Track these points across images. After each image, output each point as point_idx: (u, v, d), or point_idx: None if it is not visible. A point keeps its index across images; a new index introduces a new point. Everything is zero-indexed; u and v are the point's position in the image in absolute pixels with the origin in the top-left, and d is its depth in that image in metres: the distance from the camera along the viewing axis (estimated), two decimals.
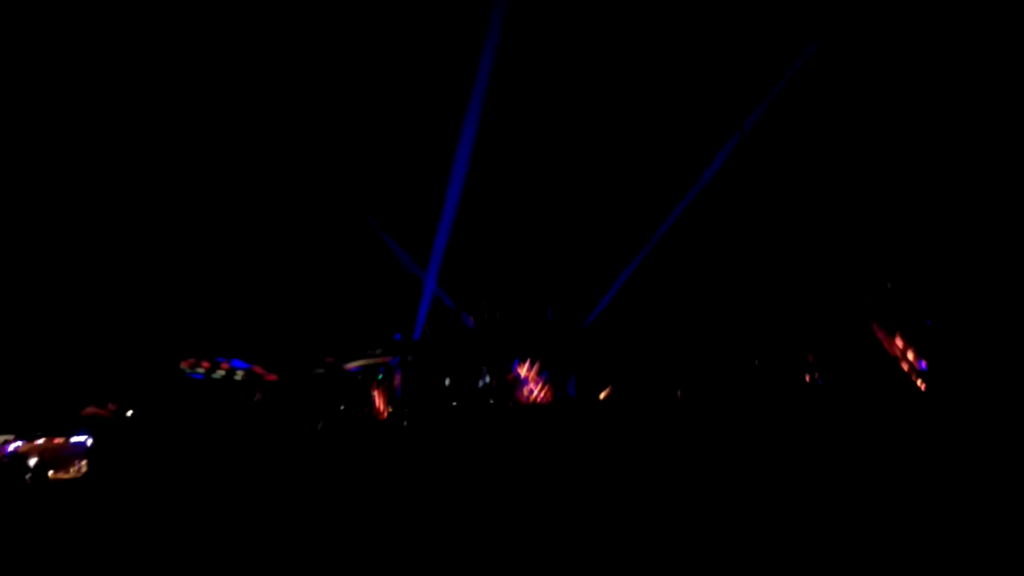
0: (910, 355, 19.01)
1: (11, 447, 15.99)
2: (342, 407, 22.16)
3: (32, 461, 15.06)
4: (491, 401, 22.81)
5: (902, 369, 19.04)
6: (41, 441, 16.26)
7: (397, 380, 22.98)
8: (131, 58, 19.35)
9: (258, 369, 20.42)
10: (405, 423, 20.74)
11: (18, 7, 17.36)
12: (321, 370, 22.40)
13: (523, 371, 24.44)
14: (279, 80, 21.19)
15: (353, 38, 21.34)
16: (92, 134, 19.99)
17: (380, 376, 23.30)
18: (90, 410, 15.72)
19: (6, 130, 18.67)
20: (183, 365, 18.80)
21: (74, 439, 16.39)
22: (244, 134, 21.56)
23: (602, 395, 21.84)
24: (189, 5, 19.31)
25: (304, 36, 20.57)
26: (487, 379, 23.61)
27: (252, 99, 21.21)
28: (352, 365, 22.96)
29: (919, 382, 18.57)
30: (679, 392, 20.91)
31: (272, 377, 20.46)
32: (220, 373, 19.56)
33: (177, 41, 19.52)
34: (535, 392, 24.36)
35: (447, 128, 22.92)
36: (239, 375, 20.09)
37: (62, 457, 16.20)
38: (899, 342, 19.24)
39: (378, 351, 23.32)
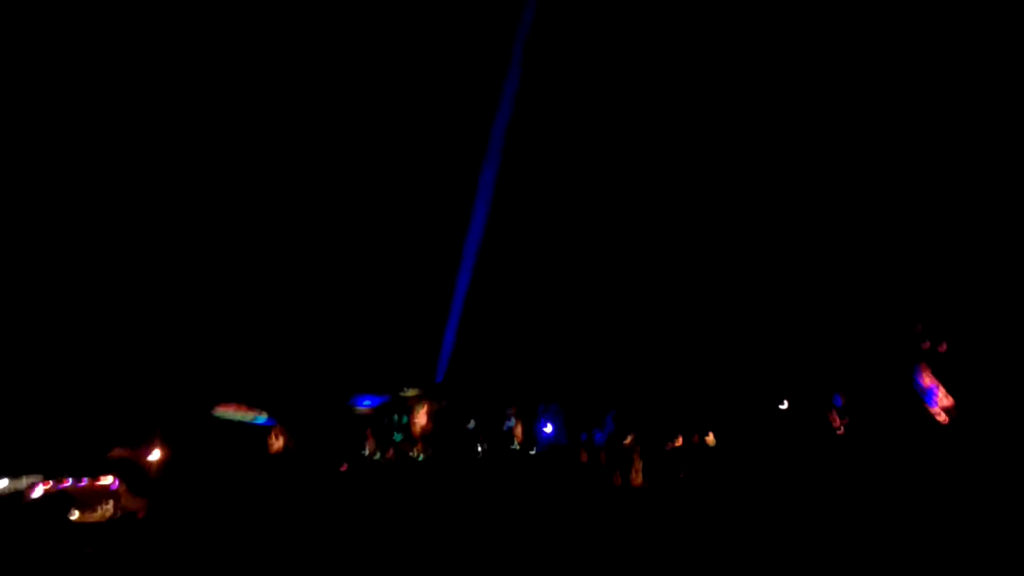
0: (942, 394, 18.65)
1: (39, 489, 16.11)
2: (365, 449, 22.07)
3: (59, 503, 15.15)
4: (514, 446, 22.61)
5: (936, 417, 18.68)
6: (68, 483, 16.36)
7: (422, 422, 22.88)
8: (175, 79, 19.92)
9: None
10: (428, 466, 20.62)
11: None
12: (364, 409, 22.39)
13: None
14: (313, 119, 21.74)
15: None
16: (147, 175, 20.51)
17: (404, 418, 23.23)
18: (118, 452, 15.82)
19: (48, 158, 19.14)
20: (219, 410, 18.89)
21: (103, 480, 16.49)
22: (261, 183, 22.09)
23: (627, 440, 21.58)
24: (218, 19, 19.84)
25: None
26: (512, 422, 23.44)
27: (286, 138, 21.79)
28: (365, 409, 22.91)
29: (943, 417, 18.23)
30: (705, 437, 20.62)
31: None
32: (250, 417, 19.57)
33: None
34: (558, 435, 24.13)
35: (465, 166, 23.35)
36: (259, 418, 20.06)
37: (89, 499, 16.27)
38: (932, 382, 18.90)
39: (408, 391, 23.30)
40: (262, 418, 19.49)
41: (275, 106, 21.78)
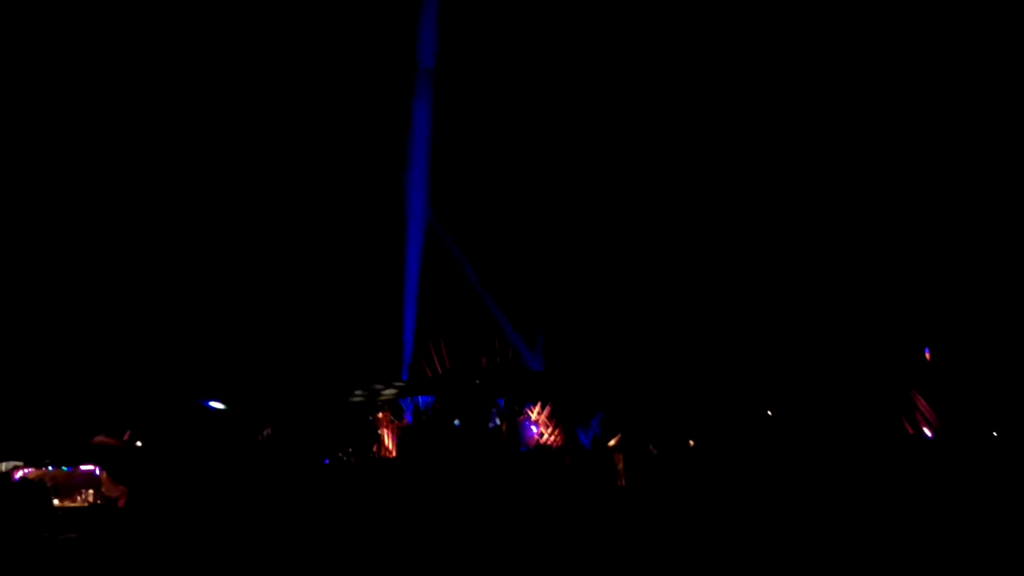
0: (923, 407, 18.79)
1: (20, 474, 16.03)
2: (351, 444, 22.05)
3: (40, 489, 15.07)
4: (500, 442, 22.63)
5: (920, 427, 18.84)
6: (50, 469, 16.29)
7: (407, 419, 22.88)
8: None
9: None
10: (414, 461, 20.59)
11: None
12: (358, 396, 22.50)
13: (533, 414, 24.27)
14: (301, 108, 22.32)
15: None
16: (145, 175, 20.81)
17: (391, 415, 23.23)
18: (100, 439, 15.73)
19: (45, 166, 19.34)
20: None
21: (83, 468, 16.43)
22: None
23: (612, 442, 21.63)
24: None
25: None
26: (497, 421, 23.44)
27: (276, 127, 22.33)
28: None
29: (927, 430, 18.39)
30: (689, 442, 20.69)
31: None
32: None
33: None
34: (545, 436, 24.15)
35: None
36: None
37: (70, 485, 16.21)
38: (917, 400, 19.02)
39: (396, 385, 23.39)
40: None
41: (260, 113, 22.26)
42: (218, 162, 22.61)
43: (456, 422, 23.13)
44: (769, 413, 22.49)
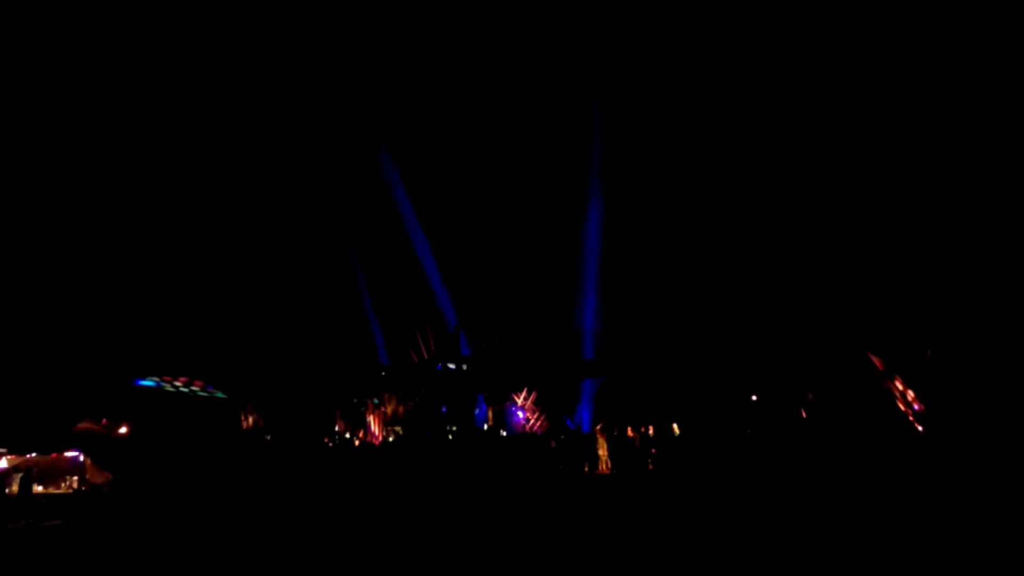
0: (908, 395, 18.92)
1: (1, 461, 15.95)
2: (338, 431, 22.12)
3: (21, 475, 15.01)
4: (486, 428, 22.73)
5: (899, 408, 18.97)
6: (33, 455, 16.23)
7: (393, 406, 22.93)
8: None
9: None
10: (402, 447, 20.68)
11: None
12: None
13: (519, 400, 24.39)
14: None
15: None
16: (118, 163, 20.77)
17: (376, 401, 23.27)
18: (83, 426, 15.68)
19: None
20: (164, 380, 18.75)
21: (66, 454, 16.39)
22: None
23: (598, 426, 21.77)
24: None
25: None
26: (484, 407, 23.55)
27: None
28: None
29: (915, 422, 18.51)
30: (675, 426, 20.82)
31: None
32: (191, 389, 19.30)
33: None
34: (531, 422, 24.28)
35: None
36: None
37: (53, 472, 16.17)
38: (898, 383, 19.14)
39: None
40: (200, 391, 19.34)
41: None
42: (207, 160, 22.73)
43: (443, 408, 23.24)
44: (754, 398, 22.63)
